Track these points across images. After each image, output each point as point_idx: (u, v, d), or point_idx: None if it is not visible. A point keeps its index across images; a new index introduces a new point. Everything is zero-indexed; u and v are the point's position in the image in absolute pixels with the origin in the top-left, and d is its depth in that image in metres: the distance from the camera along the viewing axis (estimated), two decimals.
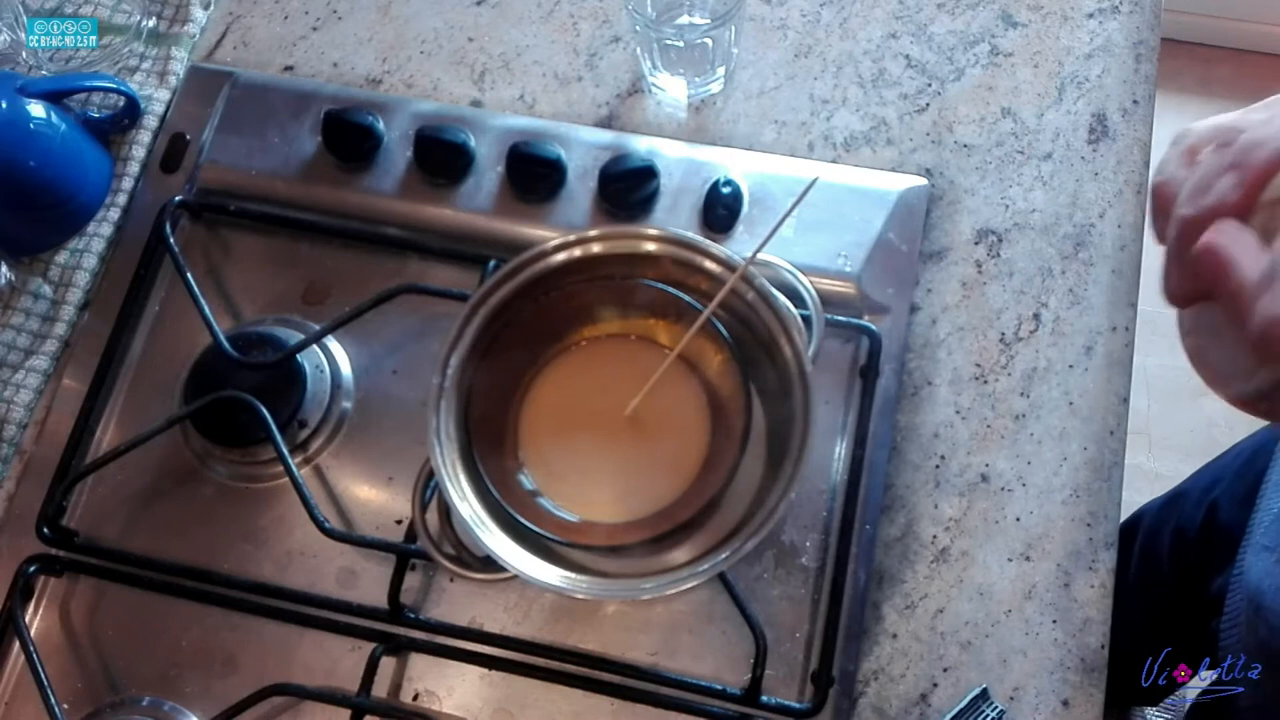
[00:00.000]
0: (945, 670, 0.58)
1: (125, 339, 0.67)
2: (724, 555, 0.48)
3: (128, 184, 0.71)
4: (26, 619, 0.61)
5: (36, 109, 0.66)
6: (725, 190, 0.65)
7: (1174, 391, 1.62)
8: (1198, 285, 0.37)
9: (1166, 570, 0.91)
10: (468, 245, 0.66)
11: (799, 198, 0.47)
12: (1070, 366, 0.63)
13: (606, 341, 0.56)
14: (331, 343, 0.66)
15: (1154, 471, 1.54)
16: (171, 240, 0.66)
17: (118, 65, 0.74)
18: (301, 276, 0.68)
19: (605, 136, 0.69)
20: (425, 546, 0.54)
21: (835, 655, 0.57)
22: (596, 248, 0.54)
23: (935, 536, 0.60)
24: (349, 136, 0.68)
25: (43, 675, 0.58)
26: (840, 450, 0.62)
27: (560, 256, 0.54)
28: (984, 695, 0.57)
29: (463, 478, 0.50)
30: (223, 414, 0.62)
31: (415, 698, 0.59)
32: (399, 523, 0.62)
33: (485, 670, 0.59)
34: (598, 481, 0.54)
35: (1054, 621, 0.58)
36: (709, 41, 0.66)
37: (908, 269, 0.65)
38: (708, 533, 0.53)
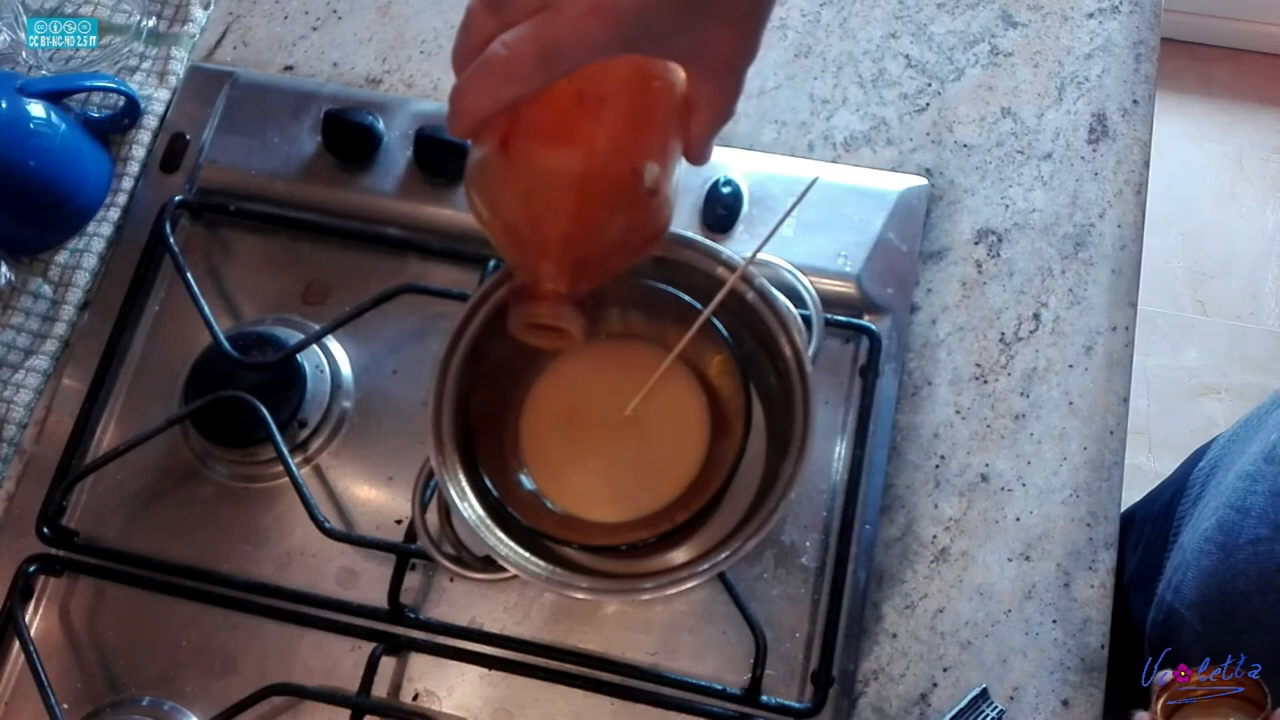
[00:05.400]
0: (945, 670, 0.58)
1: (125, 339, 0.67)
2: (724, 555, 0.48)
3: (128, 184, 0.71)
4: (26, 619, 0.61)
5: (36, 109, 0.66)
6: (725, 190, 0.65)
7: (1174, 391, 1.62)
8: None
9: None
10: (468, 245, 0.66)
11: (799, 198, 0.47)
12: (1070, 366, 0.63)
13: (606, 342, 0.55)
14: (331, 343, 0.66)
15: (1154, 471, 1.53)
16: (171, 240, 0.66)
17: (118, 65, 0.74)
18: (301, 276, 0.68)
19: None
20: (425, 546, 0.54)
21: (835, 655, 0.57)
22: None
23: (935, 536, 0.60)
24: (349, 136, 0.68)
25: (43, 675, 0.58)
26: (840, 450, 0.62)
27: None
28: (984, 695, 0.57)
29: (463, 478, 0.50)
30: (223, 414, 0.62)
31: (415, 698, 0.59)
32: (399, 523, 0.62)
33: (485, 670, 0.59)
34: (598, 481, 0.54)
35: (1054, 621, 0.58)
36: None
37: (908, 269, 0.65)
38: (708, 533, 0.53)
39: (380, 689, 0.59)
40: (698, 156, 0.45)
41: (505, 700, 0.59)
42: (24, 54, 0.72)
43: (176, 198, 0.68)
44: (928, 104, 0.70)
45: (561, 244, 0.43)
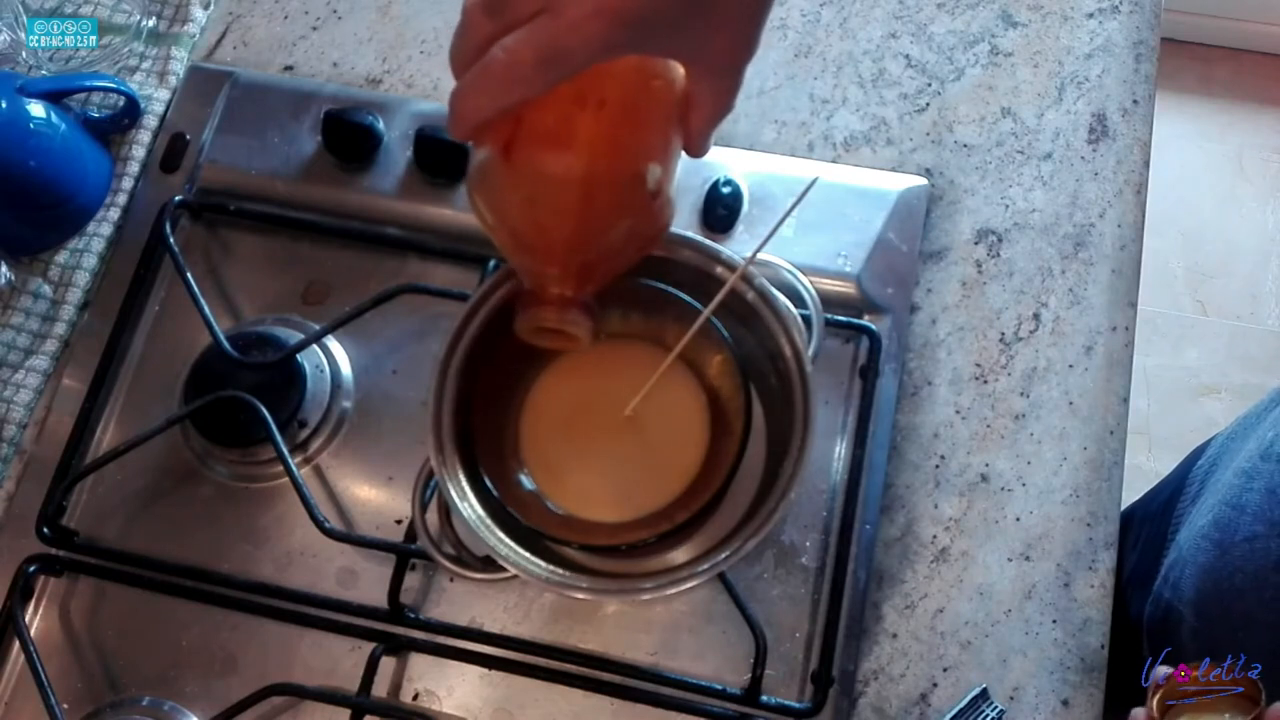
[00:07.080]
0: (945, 670, 0.58)
1: (125, 339, 0.67)
2: (724, 555, 0.48)
3: (128, 184, 0.71)
4: (26, 619, 0.61)
5: (36, 109, 0.66)
6: (725, 190, 0.65)
7: (1174, 391, 1.62)
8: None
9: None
10: (468, 245, 0.66)
11: (799, 198, 0.47)
12: (1070, 366, 0.63)
13: (606, 342, 0.55)
14: (331, 343, 0.66)
15: (1154, 471, 1.53)
16: (171, 240, 0.66)
17: (118, 65, 0.74)
18: (301, 276, 0.68)
19: None
20: (425, 546, 0.54)
21: (835, 655, 0.57)
22: None
23: (935, 536, 0.60)
24: (349, 136, 0.68)
25: (43, 675, 0.58)
26: (840, 450, 0.62)
27: None
28: (984, 695, 0.57)
29: (463, 478, 0.50)
30: (223, 414, 0.62)
31: (415, 697, 0.59)
32: (399, 523, 0.62)
33: (485, 670, 0.59)
34: (598, 481, 0.54)
35: (1054, 621, 0.58)
36: None
37: (908, 269, 0.65)
38: (708, 533, 0.54)
39: (380, 689, 0.59)
40: (698, 150, 0.45)
41: (505, 700, 0.59)
42: (24, 54, 0.72)
43: (176, 198, 0.68)
44: (928, 104, 0.70)
45: (566, 248, 0.43)
